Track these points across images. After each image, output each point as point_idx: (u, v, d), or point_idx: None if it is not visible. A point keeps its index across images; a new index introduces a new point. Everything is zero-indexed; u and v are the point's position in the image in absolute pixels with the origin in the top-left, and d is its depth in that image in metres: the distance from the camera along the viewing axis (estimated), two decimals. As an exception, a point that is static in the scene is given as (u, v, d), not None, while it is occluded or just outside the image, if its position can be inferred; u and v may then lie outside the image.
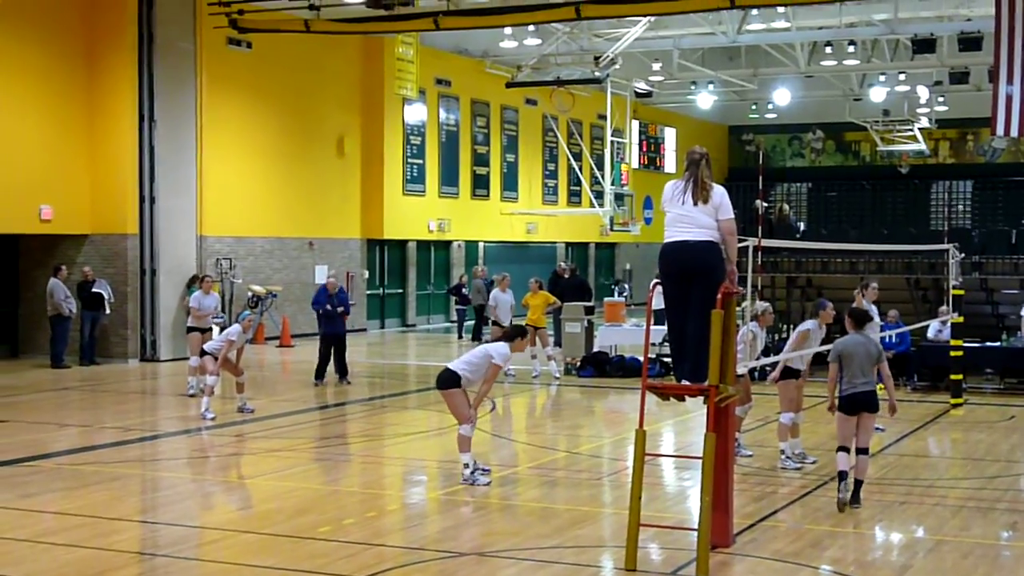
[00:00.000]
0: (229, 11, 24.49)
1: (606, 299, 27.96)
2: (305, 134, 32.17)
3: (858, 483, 11.99)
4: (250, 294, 29.70)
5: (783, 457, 13.92)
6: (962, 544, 10.71)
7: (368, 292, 34.66)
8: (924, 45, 32.17)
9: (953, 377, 19.61)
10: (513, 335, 13.43)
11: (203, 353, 18.15)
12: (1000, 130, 26.51)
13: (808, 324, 14.24)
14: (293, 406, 19.36)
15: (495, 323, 23.23)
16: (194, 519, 11.84)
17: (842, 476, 11.86)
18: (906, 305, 22.80)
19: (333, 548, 10.33)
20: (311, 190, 32.32)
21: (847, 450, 11.94)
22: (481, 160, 39.19)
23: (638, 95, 40.95)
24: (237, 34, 26.61)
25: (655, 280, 10.65)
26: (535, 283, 23.41)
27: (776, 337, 23.38)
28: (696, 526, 9.73)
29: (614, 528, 10.95)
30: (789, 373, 14.17)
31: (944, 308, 20.43)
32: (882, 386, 12.57)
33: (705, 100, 42.34)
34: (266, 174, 30.90)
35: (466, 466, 12.99)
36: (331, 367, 21.69)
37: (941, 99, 42.72)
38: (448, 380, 12.96)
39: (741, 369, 12.62)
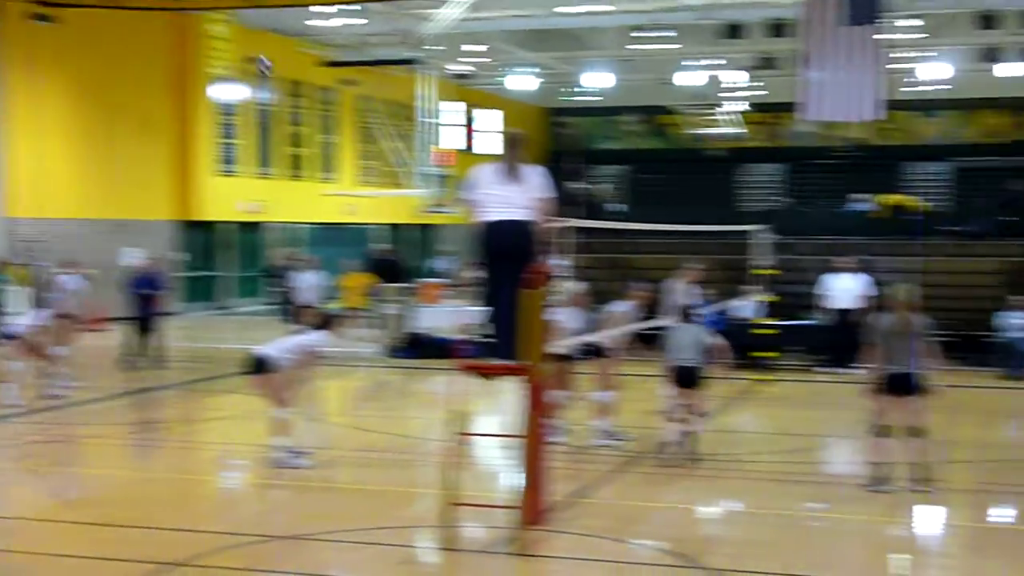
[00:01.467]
0: (33, -16, 23.69)
1: (423, 280, 27.92)
2: (115, 113, 31.29)
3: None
4: (61, 277, 28.70)
5: (600, 432, 14.08)
6: (769, 516, 10.99)
7: (182, 274, 33.93)
8: (734, 30, 32.92)
9: (763, 355, 20.12)
10: (328, 320, 13.31)
11: (10, 337, 17.51)
12: (808, 114, 27.29)
13: (619, 305, 14.45)
14: (104, 391, 18.84)
15: (304, 306, 22.94)
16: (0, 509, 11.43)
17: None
18: (720, 285, 23.28)
19: (144, 535, 10.08)
20: (122, 170, 31.47)
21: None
22: (297, 140, 38.72)
23: (457, 76, 40.94)
24: (42, 8, 25.68)
25: (472, 260, 10.66)
26: (352, 265, 23.25)
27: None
28: (512, 504, 9.78)
29: (432, 508, 10.93)
30: (602, 352, 14.35)
31: (755, 288, 20.95)
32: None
33: (523, 82, 42.57)
34: (75, 154, 29.98)
35: (281, 450, 12.81)
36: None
37: (752, 83, 43.72)
38: (262, 364, 12.75)
39: (562, 352, 12.81)
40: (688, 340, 13.10)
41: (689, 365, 13.10)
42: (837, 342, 21.31)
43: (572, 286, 14.28)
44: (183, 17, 32.06)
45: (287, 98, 38.14)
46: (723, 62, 39.62)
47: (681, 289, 17.26)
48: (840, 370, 20.43)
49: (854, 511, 11.18)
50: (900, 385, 11.70)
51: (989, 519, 11.20)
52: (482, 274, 10.31)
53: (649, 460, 13.40)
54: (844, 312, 21.14)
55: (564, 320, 13.41)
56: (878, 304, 21.94)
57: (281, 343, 12.94)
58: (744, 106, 45.93)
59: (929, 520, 11.11)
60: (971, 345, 22.40)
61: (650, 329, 15.63)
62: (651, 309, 15.87)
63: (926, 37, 35.83)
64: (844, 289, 21.40)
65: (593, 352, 14.21)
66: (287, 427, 12.82)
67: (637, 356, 14.88)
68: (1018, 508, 11.69)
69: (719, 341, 13.45)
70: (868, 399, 12.05)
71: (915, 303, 11.84)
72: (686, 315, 13.66)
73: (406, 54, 34.71)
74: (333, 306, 22.21)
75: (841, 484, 12.32)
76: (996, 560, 9.62)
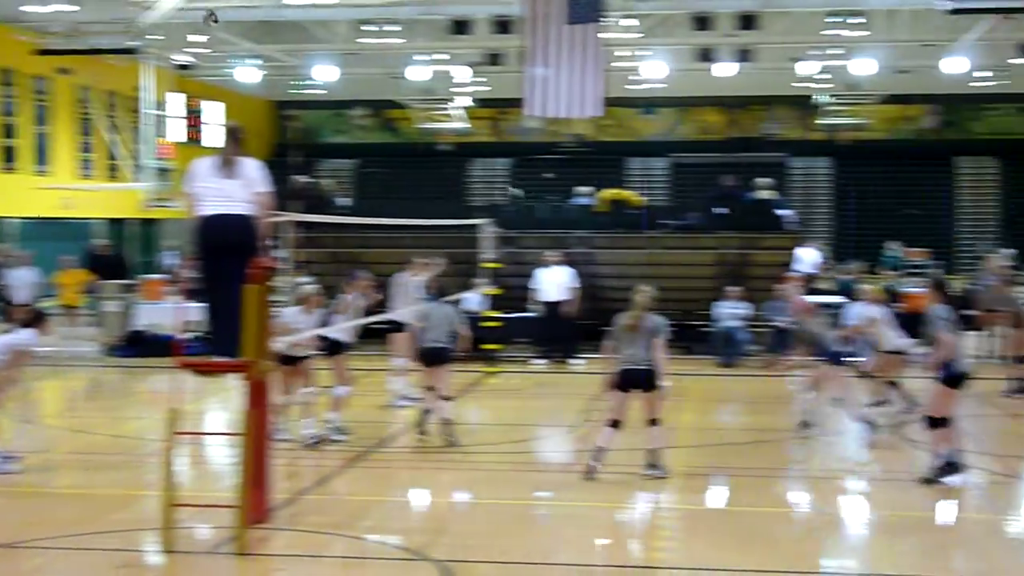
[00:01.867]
0: None
1: (145, 276, 27.13)
2: None
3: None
4: None
5: (328, 428, 13.95)
6: (495, 506, 11.16)
7: None
8: (460, 26, 33.20)
9: (488, 347, 20.38)
10: (38, 318, 12.78)
11: None
12: (531, 110, 27.78)
13: (345, 296, 14.49)
14: None
15: (12, 304, 22.09)
16: None
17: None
18: (448, 279, 23.45)
19: None
20: None
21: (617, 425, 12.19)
22: (9, 131, 37.02)
23: (178, 67, 39.93)
24: None
25: (190, 256, 10.45)
26: (69, 261, 22.39)
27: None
28: (235, 503, 9.62)
29: (156, 510, 10.64)
30: (340, 347, 14.31)
31: (480, 280, 21.20)
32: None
33: (248, 74, 41.82)
34: None
35: None
36: None
37: (479, 79, 44.18)
38: None
39: (289, 351, 12.75)
40: (440, 321, 13.44)
41: (438, 346, 13.48)
42: (551, 334, 21.95)
43: (305, 286, 14.15)
44: None
45: (-2, 87, 36.44)
46: (449, 57, 39.89)
47: (410, 282, 17.33)
48: (544, 361, 21.13)
49: (577, 498, 11.46)
50: (634, 381, 12.12)
51: (707, 501, 11.64)
52: (201, 269, 10.09)
53: (377, 454, 13.41)
54: (553, 304, 21.79)
55: (295, 321, 13.29)
56: (583, 295, 22.74)
57: None
58: (470, 102, 46.41)
59: (649, 503, 11.48)
60: (691, 334, 23.31)
61: (382, 323, 15.75)
62: (380, 303, 15.94)
63: (642, 37, 36.94)
64: (552, 282, 22.02)
65: (327, 349, 14.17)
66: None
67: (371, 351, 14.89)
68: (734, 489, 12.18)
69: (465, 329, 13.79)
70: (606, 393, 12.42)
71: (650, 303, 12.36)
72: (441, 294, 14.05)
73: (130, 43, 33.59)
74: (49, 304, 21.36)
75: (565, 472, 12.59)
76: (706, 539, 10.01)
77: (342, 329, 14.27)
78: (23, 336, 12.37)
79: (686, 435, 14.58)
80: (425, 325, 13.82)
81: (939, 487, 11.49)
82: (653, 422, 12.18)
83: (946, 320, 11.40)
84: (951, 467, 11.52)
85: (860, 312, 16.23)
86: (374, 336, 16.99)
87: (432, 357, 13.69)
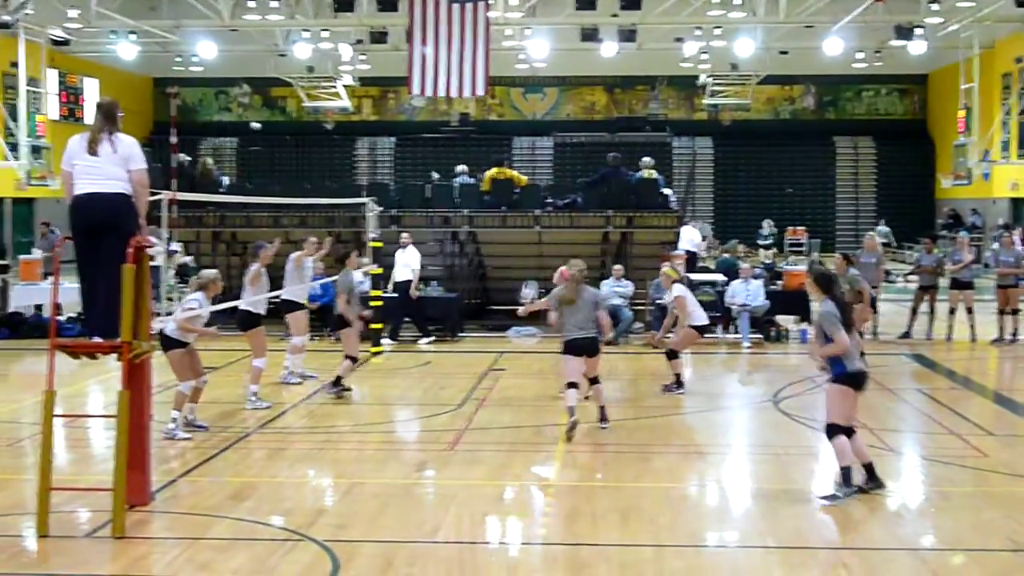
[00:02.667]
0: None
1: (22, 257, 26.54)
2: None
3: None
4: None
5: (172, 427, 13.13)
6: (376, 485, 11.13)
7: None
8: (344, 4, 32.97)
9: (374, 326, 20.30)
10: None
11: None
12: (416, 89, 27.73)
13: (253, 267, 14.65)
14: None
15: None
16: None
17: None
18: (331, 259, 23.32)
19: None
20: None
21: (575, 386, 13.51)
22: None
23: (55, 43, 39.06)
24: None
25: (63, 235, 10.26)
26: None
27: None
28: (112, 486, 9.47)
29: (32, 494, 10.44)
30: (256, 319, 15.02)
31: (364, 260, 21.08)
32: None
33: (127, 50, 41.06)
34: None
35: None
36: None
37: (363, 57, 43.89)
38: None
39: (189, 338, 12.60)
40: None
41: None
42: (402, 314, 21.96)
43: (206, 272, 13.96)
44: None
45: None
46: (330, 34, 39.54)
47: (304, 262, 17.37)
48: (391, 342, 21.24)
49: (459, 476, 11.49)
50: (582, 348, 13.56)
51: (588, 477, 11.73)
52: (76, 249, 9.90)
53: (261, 434, 13.31)
54: (403, 284, 21.77)
55: (198, 305, 13.11)
56: (469, 275, 22.83)
57: None
58: (355, 80, 46.09)
59: (530, 481, 11.55)
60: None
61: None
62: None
63: (527, 16, 37.01)
64: (403, 263, 22.04)
65: (243, 322, 15.03)
66: None
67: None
68: (615, 465, 12.29)
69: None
70: (560, 359, 13.67)
71: (583, 275, 13.63)
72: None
73: (2, 17, 32.77)
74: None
75: (447, 451, 12.61)
76: (587, 515, 10.10)
77: (255, 302, 14.51)
78: None
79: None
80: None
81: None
82: (595, 380, 13.85)
83: (837, 316, 10.75)
84: (845, 480, 10.66)
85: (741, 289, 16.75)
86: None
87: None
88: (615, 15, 34.69)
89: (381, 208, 22.24)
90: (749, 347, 21.20)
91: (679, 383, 16.37)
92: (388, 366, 19.35)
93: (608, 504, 10.45)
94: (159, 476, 10.93)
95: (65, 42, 39.23)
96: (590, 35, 36.31)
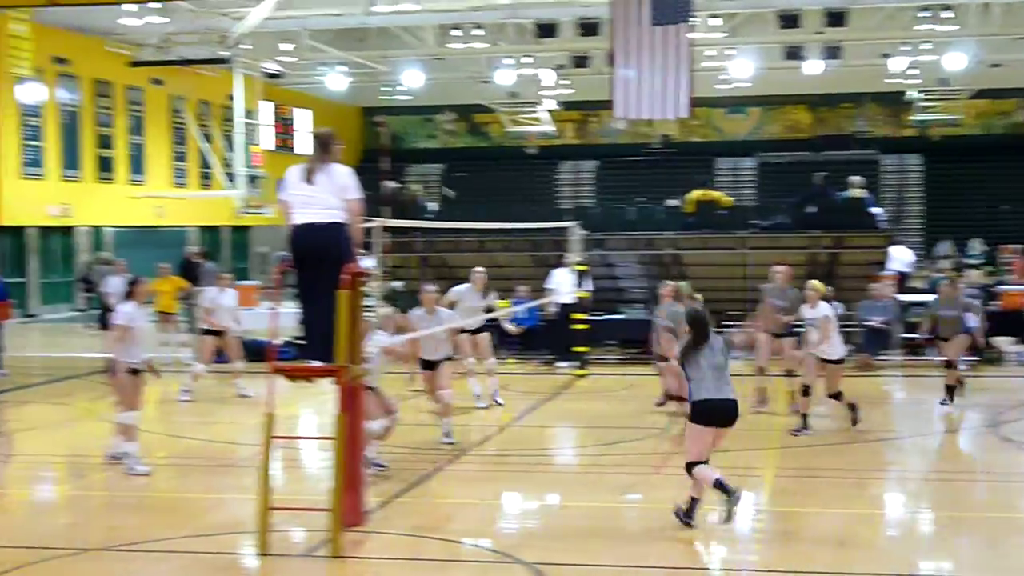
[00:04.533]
0: None
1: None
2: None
3: None
4: None
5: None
6: (584, 508, 11.16)
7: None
8: (546, 29, 33.26)
9: (577, 349, 20.37)
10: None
11: None
12: (619, 112, 27.73)
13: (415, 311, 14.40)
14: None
15: (111, 311, 22.48)
16: None
17: None
18: (534, 281, 23.52)
19: (-55, 553, 9.73)
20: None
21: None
22: (105, 142, 37.74)
23: (268, 76, 40.42)
24: None
25: (283, 263, 10.60)
26: (165, 269, 22.76)
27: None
28: (329, 506, 9.72)
29: (250, 513, 10.79)
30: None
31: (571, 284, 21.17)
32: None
33: (337, 82, 42.25)
34: None
35: (125, 455, 12.66)
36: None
37: (565, 82, 44.17)
38: (107, 368, 12.85)
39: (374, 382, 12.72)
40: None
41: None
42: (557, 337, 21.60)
43: (427, 288, 14.22)
44: (-19, 16, 30.99)
45: (93, 98, 37.15)
46: (534, 60, 39.91)
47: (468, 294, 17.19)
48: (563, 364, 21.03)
49: (668, 500, 11.42)
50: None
51: (799, 504, 11.54)
52: (295, 276, 10.23)
53: (468, 457, 13.48)
54: (564, 307, 21.39)
55: (421, 323, 13.47)
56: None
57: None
58: (557, 104, 46.42)
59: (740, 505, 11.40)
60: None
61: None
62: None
63: (729, 36, 36.73)
64: (561, 283, 21.77)
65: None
66: (133, 431, 12.60)
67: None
68: (827, 491, 12.04)
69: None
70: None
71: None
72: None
73: (221, 53, 34.10)
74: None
75: (655, 474, 12.54)
76: (799, 541, 9.91)
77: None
78: (119, 307, 12.79)
79: (778, 436, 14.48)
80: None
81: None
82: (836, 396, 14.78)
83: None
84: None
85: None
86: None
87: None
88: (820, 32, 34.14)
89: (585, 232, 22.32)
90: (964, 370, 20.53)
91: (856, 417, 14.92)
92: (593, 388, 19.36)
93: (821, 531, 10.26)
94: (374, 497, 11.16)
95: (278, 75, 40.54)
96: (794, 53, 35.82)
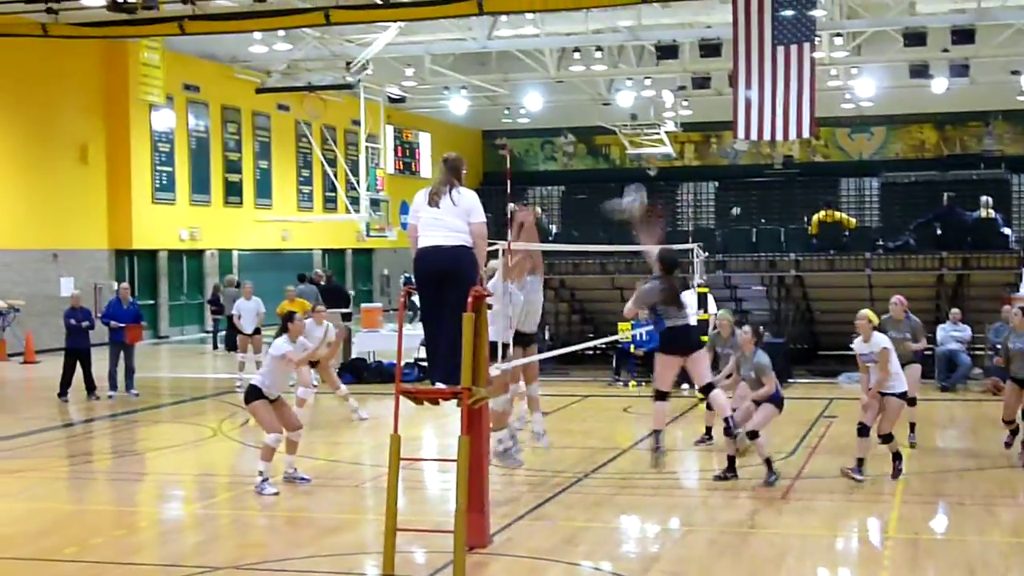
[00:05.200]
0: (-40, 13, 23.40)
1: (363, 305, 27.86)
2: (46, 142, 31.09)
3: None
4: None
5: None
6: (709, 532, 11.07)
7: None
8: (667, 51, 33.16)
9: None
10: (283, 325, 13.38)
11: None
12: (741, 133, 27.52)
13: None
14: (37, 424, 18.57)
15: (240, 333, 22.94)
16: (-71, 547, 11.26)
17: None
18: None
19: (80, 569, 9.98)
20: (54, 199, 31.23)
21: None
22: (233, 167, 38.55)
23: (391, 100, 40.93)
24: (-30, 39, 25.52)
25: (406, 285, 10.72)
26: (290, 291, 23.12)
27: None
28: (452, 528, 9.76)
29: (373, 534, 10.91)
30: None
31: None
32: None
33: (458, 105, 42.64)
34: (4, 183, 29.74)
35: (260, 474, 12.94)
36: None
37: (685, 103, 44.02)
38: (248, 394, 13.15)
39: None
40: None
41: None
42: None
43: None
44: (116, 44, 31.89)
45: (222, 124, 37.98)
46: (653, 82, 39.82)
47: None
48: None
49: (794, 524, 11.29)
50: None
51: (930, 530, 11.32)
52: (420, 299, 10.33)
53: (589, 480, 13.46)
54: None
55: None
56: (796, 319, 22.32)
57: (262, 368, 13.46)
58: (677, 126, 46.23)
59: (869, 531, 11.23)
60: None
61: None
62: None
63: (852, 55, 36.28)
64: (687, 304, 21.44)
65: None
66: (271, 453, 12.99)
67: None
68: (958, 517, 11.80)
69: None
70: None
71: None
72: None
73: (346, 78, 34.63)
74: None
75: (781, 498, 12.40)
76: (929, 568, 9.72)
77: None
78: (276, 343, 13.21)
79: (906, 461, 14.22)
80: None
81: None
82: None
83: None
84: None
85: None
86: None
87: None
88: (946, 50, 33.53)
89: (707, 254, 22.18)
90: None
91: (897, 467, 13.46)
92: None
93: (952, 559, 10.04)
94: (495, 519, 11.19)
95: (401, 99, 41.05)
96: (919, 71, 35.19)
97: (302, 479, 13.38)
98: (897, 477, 13.20)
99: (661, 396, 13.35)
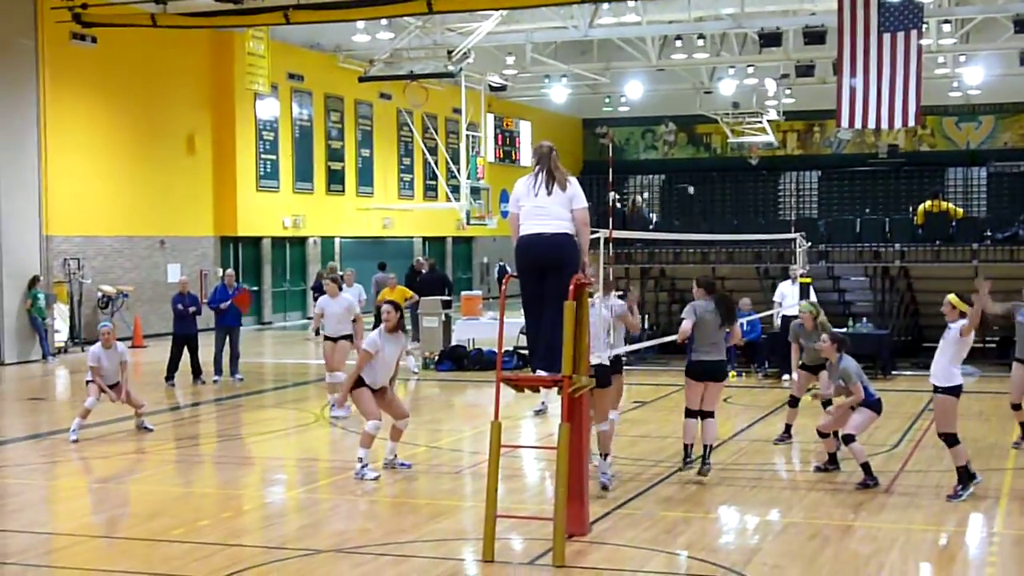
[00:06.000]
0: (72, 4, 23.87)
1: (463, 293, 28.01)
2: (154, 131, 31.66)
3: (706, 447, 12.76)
4: (100, 294, 29.27)
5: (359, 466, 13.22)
6: (810, 526, 10.98)
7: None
8: (771, 39, 32.87)
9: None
10: (377, 317, 13.55)
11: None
12: (845, 122, 27.18)
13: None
14: (145, 408, 18.92)
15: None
16: (44, 525, 11.56)
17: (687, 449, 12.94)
18: (756, 294, 23.27)
19: (188, 550, 10.18)
20: (161, 188, 31.81)
21: (695, 415, 12.84)
22: (336, 155, 38.94)
23: (492, 89, 41.07)
24: (81, 29, 26.02)
25: (508, 273, 10.75)
26: (390, 279, 23.33)
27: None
28: (553, 516, 9.80)
29: (473, 520, 10.98)
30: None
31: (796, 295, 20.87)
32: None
33: (559, 94, 42.64)
34: (115, 172, 30.35)
35: (359, 460, 13.08)
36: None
37: (788, 92, 43.62)
38: (356, 382, 13.21)
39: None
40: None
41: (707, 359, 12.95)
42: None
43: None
44: (221, 34, 32.38)
45: (325, 113, 38.37)
46: (755, 70, 39.48)
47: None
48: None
49: (896, 520, 11.15)
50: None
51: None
52: (522, 287, 10.38)
53: (692, 470, 13.40)
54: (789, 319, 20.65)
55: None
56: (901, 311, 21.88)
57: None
58: (779, 114, 45.78)
59: (972, 528, 11.06)
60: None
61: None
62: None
63: (958, 42, 35.65)
64: (786, 296, 21.20)
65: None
66: (371, 440, 13.14)
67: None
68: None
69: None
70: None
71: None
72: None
73: (447, 67, 34.83)
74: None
75: (884, 493, 12.25)
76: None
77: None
78: (368, 336, 13.44)
79: (1013, 457, 13.98)
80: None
81: None
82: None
83: None
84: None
85: None
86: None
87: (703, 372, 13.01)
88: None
89: (809, 243, 21.97)
90: None
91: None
92: (818, 403, 18.98)
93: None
94: (596, 508, 11.20)
95: (502, 88, 41.15)
96: (1027, 59, 34.51)
97: (402, 465, 13.50)
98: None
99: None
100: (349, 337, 17.65)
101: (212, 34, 32.22)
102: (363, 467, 12.99)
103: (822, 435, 13.13)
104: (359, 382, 13.09)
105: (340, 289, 18.43)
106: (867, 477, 12.44)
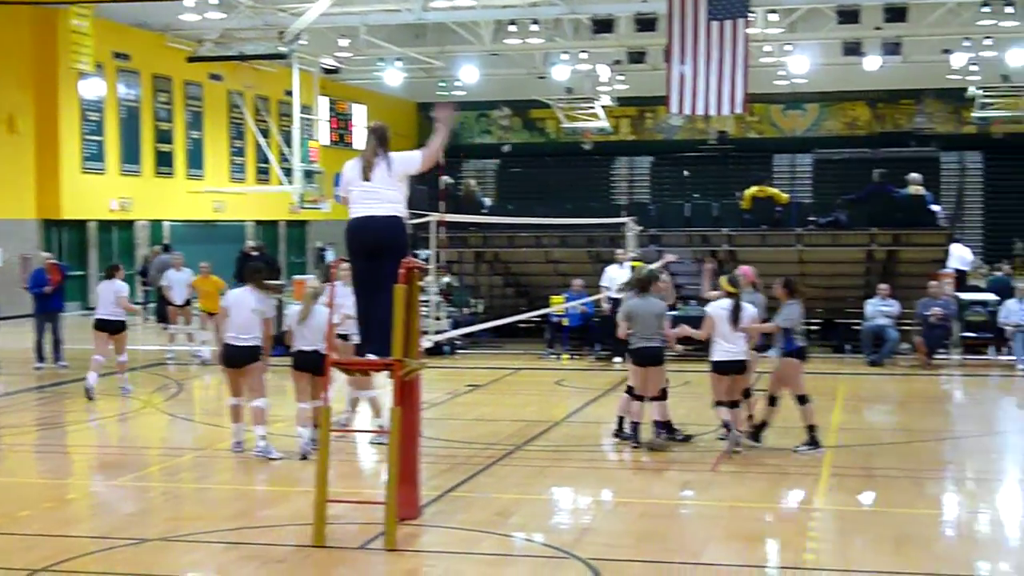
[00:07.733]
0: None
1: (295, 277, 27.68)
2: (-26, 109, 30.58)
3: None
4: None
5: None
6: (640, 504, 11.14)
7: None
8: (603, 25, 33.18)
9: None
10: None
11: None
12: (675, 108, 27.64)
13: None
14: (-36, 396, 18.34)
15: (172, 304, 22.73)
16: None
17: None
18: (590, 277, 23.50)
19: (7, 541, 9.85)
20: (-18, 168, 30.76)
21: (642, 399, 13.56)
22: (164, 137, 38.07)
23: (325, 71, 40.63)
24: None
25: (336, 258, 10.69)
26: (204, 268, 22.72)
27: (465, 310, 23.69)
28: (384, 500, 9.75)
29: (305, 506, 10.85)
30: None
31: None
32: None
33: (393, 77, 42.37)
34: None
35: (262, 437, 13.22)
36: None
37: (621, 78, 44.08)
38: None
39: None
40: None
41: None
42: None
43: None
44: (44, 10, 31.36)
45: (153, 93, 37.49)
46: (589, 56, 39.83)
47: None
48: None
49: (724, 497, 11.38)
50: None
51: (857, 502, 11.45)
52: (351, 270, 10.30)
53: (523, 451, 13.48)
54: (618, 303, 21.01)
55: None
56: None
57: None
58: (613, 100, 46.29)
59: (796, 503, 11.36)
60: (840, 333, 23.00)
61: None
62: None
63: (786, 32, 36.52)
64: (615, 279, 21.56)
65: None
66: (266, 415, 13.26)
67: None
68: (885, 490, 11.95)
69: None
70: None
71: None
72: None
73: (279, 48, 34.33)
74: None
75: (711, 471, 12.49)
76: (858, 540, 9.86)
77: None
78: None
79: (835, 435, 14.39)
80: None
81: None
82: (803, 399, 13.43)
83: None
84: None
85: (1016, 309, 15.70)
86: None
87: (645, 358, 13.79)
88: (879, 28, 33.85)
89: (641, 228, 22.27)
90: (1024, 369, 20.31)
91: (814, 441, 13.45)
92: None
93: (879, 530, 10.17)
94: (427, 491, 11.19)
95: (335, 70, 40.74)
96: (853, 49, 35.50)
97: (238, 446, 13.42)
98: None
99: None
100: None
101: (34, 10, 31.16)
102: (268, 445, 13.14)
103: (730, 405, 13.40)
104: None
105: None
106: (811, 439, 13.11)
